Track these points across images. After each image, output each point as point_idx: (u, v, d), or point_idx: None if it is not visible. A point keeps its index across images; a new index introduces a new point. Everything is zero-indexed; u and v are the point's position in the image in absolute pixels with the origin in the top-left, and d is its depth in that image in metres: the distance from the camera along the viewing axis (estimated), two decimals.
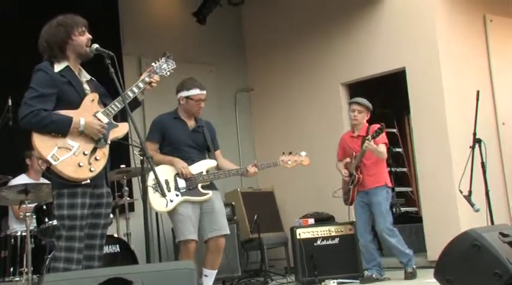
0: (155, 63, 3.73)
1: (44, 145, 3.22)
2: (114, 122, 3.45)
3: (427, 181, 6.39)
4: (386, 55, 6.68)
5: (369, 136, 5.34)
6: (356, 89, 7.22)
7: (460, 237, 3.34)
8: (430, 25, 6.33)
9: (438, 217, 6.17)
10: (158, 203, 4.46)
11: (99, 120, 3.37)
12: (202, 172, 4.62)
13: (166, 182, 4.53)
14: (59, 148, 3.23)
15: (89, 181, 3.26)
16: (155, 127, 4.72)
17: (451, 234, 3.49)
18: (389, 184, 5.66)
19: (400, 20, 6.58)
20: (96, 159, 3.30)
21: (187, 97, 4.65)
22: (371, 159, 5.53)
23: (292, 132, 7.48)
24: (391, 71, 6.72)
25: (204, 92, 4.70)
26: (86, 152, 3.28)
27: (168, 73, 3.77)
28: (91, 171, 3.26)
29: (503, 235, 3.28)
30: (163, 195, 4.25)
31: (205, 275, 4.66)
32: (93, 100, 3.41)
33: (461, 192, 5.01)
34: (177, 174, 4.57)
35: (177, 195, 4.51)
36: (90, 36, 3.42)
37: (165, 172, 4.55)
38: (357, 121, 5.67)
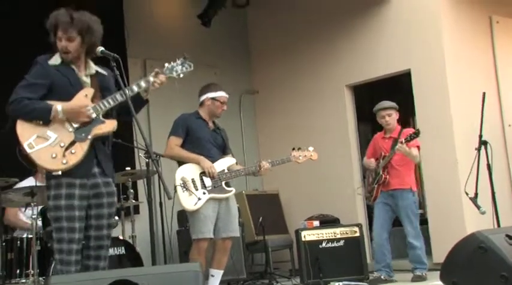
0: (168, 64, 3.66)
1: (24, 133, 3.29)
2: (101, 118, 3.41)
3: (433, 183, 6.38)
4: (391, 57, 6.66)
5: (402, 139, 5.31)
6: (361, 91, 7.21)
7: (466, 239, 3.33)
8: (436, 27, 6.32)
9: (444, 219, 6.15)
10: (188, 202, 4.60)
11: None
12: (224, 170, 4.79)
13: (193, 181, 4.67)
14: (37, 136, 3.28)
15: (60, 172, 3.26)
16: (180, 123, 4.86)
17: (457, 236, 3.47)
18: (414, 188, 5.54)
19: (405, 21, 6.57)
20: (71, 152, 3.30)
21: (213, 99, 4.88)
22: (401, 162, 5.48)
23: (297, 135, 7.45)
24: (396, 73, 6.71)
25: (227, 96, 4.97)
26: (62, 145, 3.29)
27: (181, 75, 3.68)
28: (63, 164, 3.26)
29: (510, 237, 3.27)
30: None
31: (212, 275, 4.72)
32: (86, 95, 3.39)
33: (467, 194, 4.99)
34: (202, 173, 4.70)
35: (204, 193, 4.65)
36: (64, 44, 3.36)
37: (191, 170, 4.70)
38: (390, 126, 5.64)
